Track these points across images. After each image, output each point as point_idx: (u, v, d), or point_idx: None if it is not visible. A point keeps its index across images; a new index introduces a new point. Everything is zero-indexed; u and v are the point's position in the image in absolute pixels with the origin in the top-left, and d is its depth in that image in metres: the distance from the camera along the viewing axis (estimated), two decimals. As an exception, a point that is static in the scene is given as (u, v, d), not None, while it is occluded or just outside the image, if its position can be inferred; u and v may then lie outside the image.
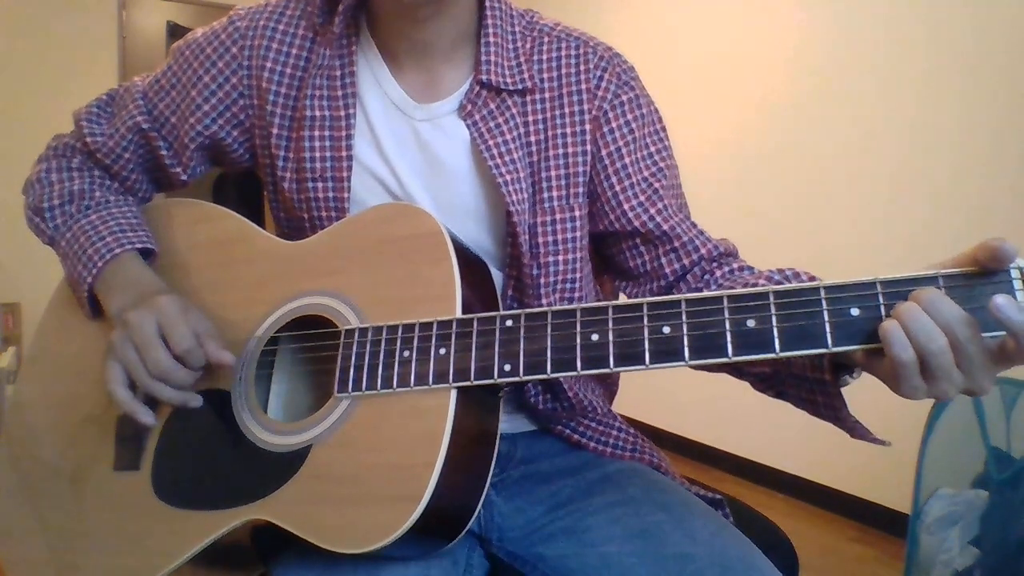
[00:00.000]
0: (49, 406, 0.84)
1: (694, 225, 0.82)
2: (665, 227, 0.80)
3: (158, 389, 0.72)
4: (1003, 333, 0.50)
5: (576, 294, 0.82)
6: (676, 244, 0.80)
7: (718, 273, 0.79)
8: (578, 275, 0.81)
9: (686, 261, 0.80)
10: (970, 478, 1.61)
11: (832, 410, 0.64)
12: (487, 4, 0.80)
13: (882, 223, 2.35)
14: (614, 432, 0.89)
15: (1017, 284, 0.51)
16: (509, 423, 0.86)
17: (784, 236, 2.66)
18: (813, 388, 0.65)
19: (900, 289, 0.54)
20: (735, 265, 0.80)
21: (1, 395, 2.63)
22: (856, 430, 0.65)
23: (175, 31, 4.13)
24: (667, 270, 0.80)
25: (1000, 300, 0.49)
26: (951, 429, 1.64)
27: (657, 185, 0.81)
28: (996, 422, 1.59)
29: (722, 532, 0.72)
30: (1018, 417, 1.57)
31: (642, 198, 0.80)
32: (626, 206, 0.80)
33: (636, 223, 0.80)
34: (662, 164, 0.82)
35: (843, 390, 0.64)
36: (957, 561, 1.54)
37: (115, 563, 0.73)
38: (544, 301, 0.80)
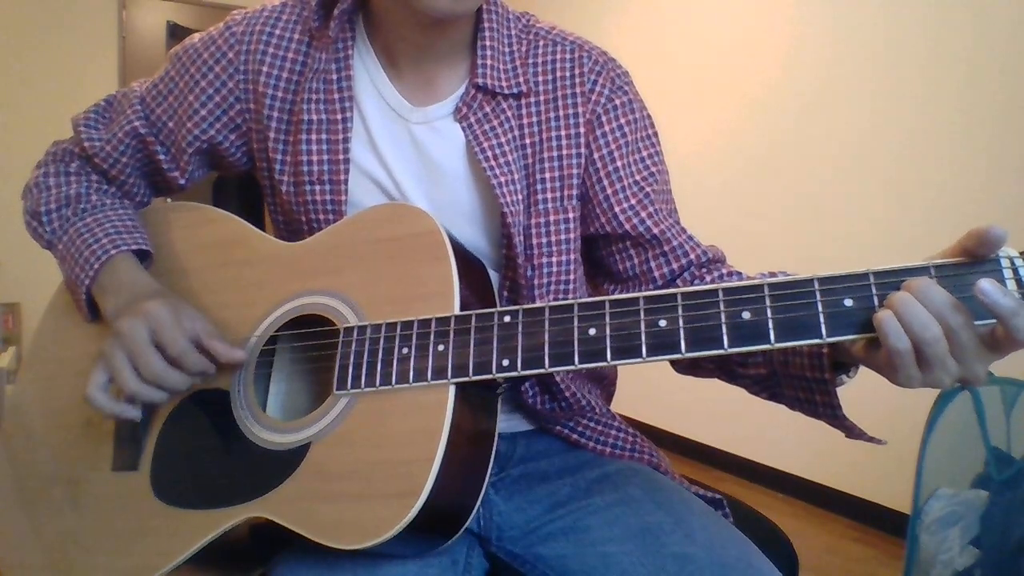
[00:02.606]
0: (47, 408, 0.84)
1: (684, 230, 0.82)
2: (655, 231, 0.80)
3: (149, 394, 0.72)
4: (994, 321, 0.51)
5: (570, 296, 0.82)
6: (665, 248, 0.80)
7: (707, 279, 0.79)
8: (571, 276, 0.82)
9: (675, 266, 0.80)
10: (970, 478, 1.61)
11: (831, 409, 0.65)
12: (484, 8, 0.80)
13: (881, 223, 2.35)
14: (613, 432, 0.89)
15: (1007, 273, 0.52)
16: (508, 423, 0.87)
17: (782, 237, 2.67)
18: (812, 388, 0.65)
19: (892, 280, 0.54)
20: (724, 271, 0.80)
21: (1, 395, 2.64)
22: (853, 430, 0.65)
23: (175, 31, 4.13)
24: (656, 274, 0.81)
25: (985, 284, 0.50)
26: (951, 429, 1.64)
27: (648, 189, 0.81)
28: (996, 422, 1.59)
29: (722, 532, 0.72)
30: (1018, 417, 1.57)
31: (633, 201, 0.80)
32: (617, 209, 0.80)
33: (627, 226, 0.80)
34: (653, 169, 0.83)
35: (842, 390, 0.65)
36: (957, 561, 1.54)
37: (114, 563, 0.73)
38: (539, 302, 0.80)
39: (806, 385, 0.66)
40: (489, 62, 0.79)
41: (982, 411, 1.60)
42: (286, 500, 0.67)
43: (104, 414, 0.73)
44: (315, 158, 0.80)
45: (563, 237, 0.80)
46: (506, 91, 0.79)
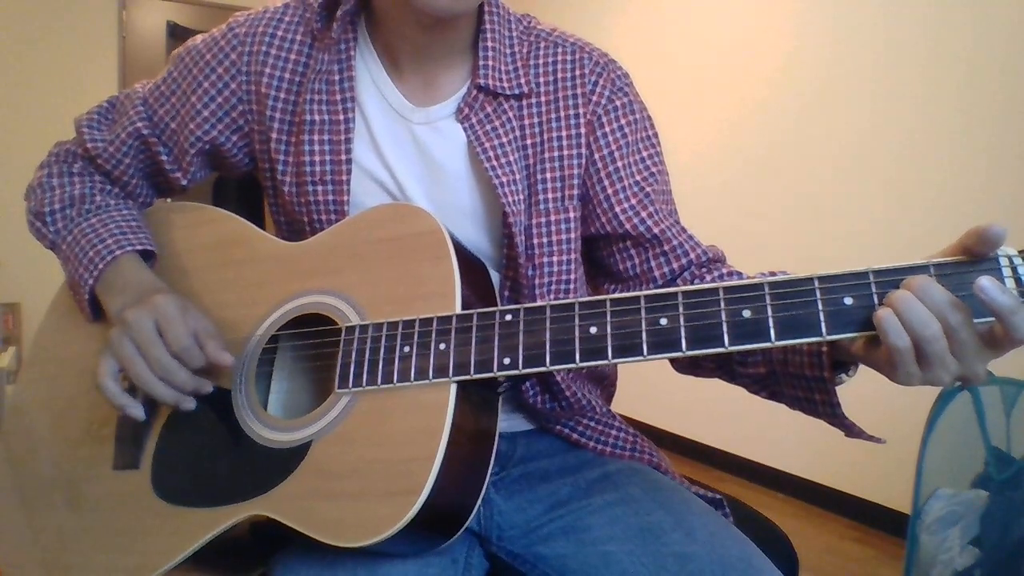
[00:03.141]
0: (48, 408, 0.85)
1: (684, 230, 0.82)
2: (656, 230, 0.80)
3: (156, 387, 0.72)
4: (993, 319, 0.51)
5: (571, 295, 0.83)
6: (666, 248, 0.80)
7: (708, 278, 0.79)
8: (572, 276, 0.82)
9: (675, 265, 0.80)
10: (970, 478, 1.61)
11: (830, 408, 0.65)
12: (486, 10, 0.81)
13: (881, 223, 2.36)
14: (613, 432, 0.89)
15: (1006, 271, 0.52)
16: (508, 422, 0.87)
17: (782, 237, 2.67)
18: (811, 386, 0.65)
19: (892, 278, 0.55)
20: (724, 270, 0.80)
21: (1, 395, 2.64)
22: (852, 428, 0.65)
23: (175, 31, 4.13)
24: (656, 273, 0.81)
25: (984, 282, 0.50)
26: (951, 429, 1.64)
27: (648, 189, 0.81)
28: (996, 422, 1.59)
29: (722, 531, 0.72)
30: (1018, 417, 1.58)
31: (633, 201, 0.80)
32: (617, 209, 0.80)
33: (627, 225, 0.80)
34: (654, 169, 0.83)
35: (842, 390, 0.65)
36: (957, 561, 1.54)
37: (115, 561, 0.73)
38: (540, 302, 0.80)
39: (805, 384, 0.66)
40: (491, 63, 0.80)
41: (982, 411, 1.60)
42: (287, 498, 0.67)
43: (114, 404, 0.73)
44: (317, 158, 0.80)
45: (564, 237, 0.81)
46: (507, 92, 0.79)
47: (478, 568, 0.76)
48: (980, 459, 1.60)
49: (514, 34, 0.83)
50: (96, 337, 0.83)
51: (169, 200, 0.94)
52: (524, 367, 0.63)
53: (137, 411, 0.74)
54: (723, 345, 0.57)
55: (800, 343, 0.57)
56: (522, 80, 0.80)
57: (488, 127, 0.79)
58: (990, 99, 2.07)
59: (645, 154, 0.83)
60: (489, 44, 0.80)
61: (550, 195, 0.80)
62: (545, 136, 0.80)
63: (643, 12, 3.33)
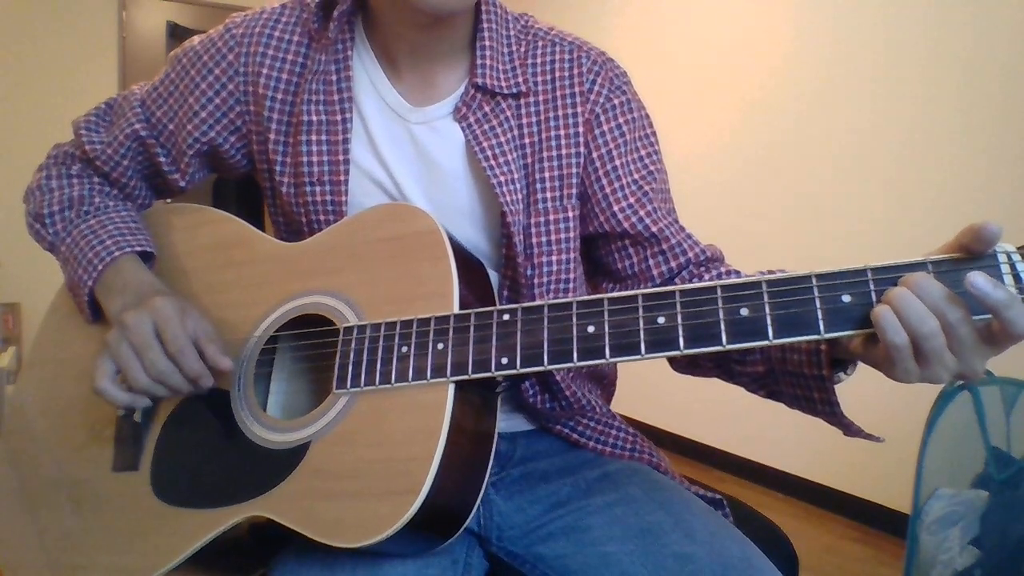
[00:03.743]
0: (48, 409, 0.85)
1: (682, 229, 0.82)
2: (654, 229, 0.80)
3: (154, 391, 0.73)
4: (990, 316, 0.51)
5: (570, 295, 0.82)
6: (664, 247, 0.80)
7: (706, 277, 0.79)
8: (571, 275, 0.82)
9: (673, 264, 0.80)
10: (970, 478, 1.61)
11: (829, 406, 0.65)
12: (483, 9, 0.81)
13: (881, 223, 2.36)
14: (613, 432, 0.89)
15: (1004, 268, 0.52)
16: (508, 422, 0.87)
17: (782, 237, 2.67)
18: (810, 385, 0.65)
19: (890, 275, 0.55)
20: (723, 269, 0.80)
21: (1, 395, 2.64)
22: (851, 427, 0.65)
23: (175, 31, 4.14)
24: (654, 272, 0.81)
25: (975, 278, 0.50)
26: (951, 429, 1.64)
27: (647, 188, 0.81)
28: (996, 422, 1.59)
29: (722, 532, 0.72)
30: (1018, 417, 1.57)
31: (631, 200, 0.80)
32: (616, 207, 0.80)
33: (625, 224, 0.80)
34: (652, 168, 0.83)
35: (841, 389, 0.65)
36: (957, 561, 1.54)
37: (115, 563, 0.73)
38: (538, 301, 0.80)
39: (804, 382, 0.66)
40: (488, 62, 0.79)
41: (982, 411, 1.60)
42: (286, 499, 0.67)
43: (116, 405, 0.74)
44: (315, 159, 0.80)
45: (563, 236, 0.80)
46: (505, 91, 0.79)
47: (478, 568, 0.76)
48: (980, 459, 1.60)
49: (511, 33, 0.83)
50: (95, 339, 0.83)
51: (168, 201, 0.94)
52: (522, 366, 0.63)
53: (144, 403, 0.74)
54: (721, 344, 0.57)
55: (798, 341, 0.57)
56: (520, 79, 0.80)
57: (486, 126, 0.79)
58: (990, 99, 2.07)
59: (643, 152, 0.83)
60: (487, 43, 0.80)
61: (548, 194, 0.80)
62: (543, 135, 0.80)
63: (643, 12, 3.33)
